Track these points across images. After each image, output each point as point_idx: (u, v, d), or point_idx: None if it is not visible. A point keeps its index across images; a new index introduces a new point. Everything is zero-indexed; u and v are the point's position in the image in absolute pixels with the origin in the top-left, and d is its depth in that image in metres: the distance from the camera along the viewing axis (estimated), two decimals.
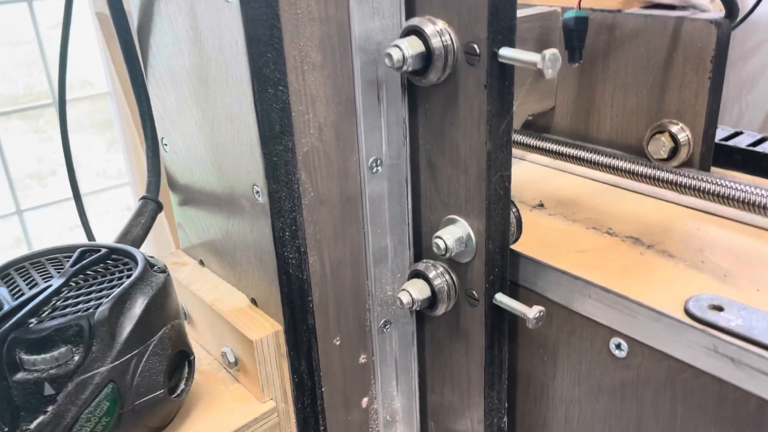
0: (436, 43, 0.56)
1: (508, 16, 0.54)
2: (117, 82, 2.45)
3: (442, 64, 0.56)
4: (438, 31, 0.56)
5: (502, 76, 0.55)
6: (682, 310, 0.58)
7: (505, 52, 0.54)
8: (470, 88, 0.56)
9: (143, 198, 0.73)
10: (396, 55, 0.55)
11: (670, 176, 0.73)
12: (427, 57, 0.56)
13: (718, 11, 0.79)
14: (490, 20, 0.53)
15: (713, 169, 0.84)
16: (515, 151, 0.94)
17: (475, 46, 0.54)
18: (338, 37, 0.58)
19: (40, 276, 0.60)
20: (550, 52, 0.51)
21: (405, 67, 0.56)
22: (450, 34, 0.56)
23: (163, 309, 0.59)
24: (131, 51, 0.68)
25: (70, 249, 0.63)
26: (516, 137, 0.89)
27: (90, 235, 0.76)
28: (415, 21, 0.57)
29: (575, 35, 0.81)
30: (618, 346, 0.61)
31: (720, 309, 0.58)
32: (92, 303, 0.56)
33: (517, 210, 0.64)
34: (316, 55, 0.57)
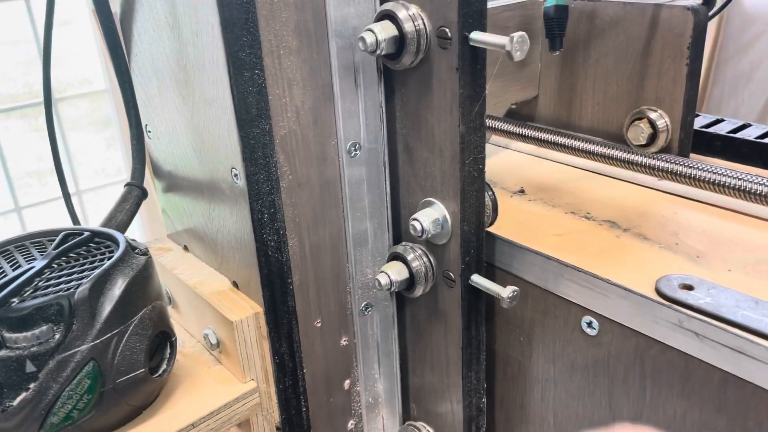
0: (408, 27, 0.57)
1: (479, 0, 0.55)
2: (115, 79, 2.45)
3: (415, 48, 0.57)
4: (411, 15, 0.57)
5: (474, 59, 0.57)
6: (653, 289, 0.59)
7: (475, 35, 0.55)
8: (443, 71, 0.57)
9: (128, 184, 0.74)
10: (369, 39, 0.57)
11: (646, 160, 0.74)
12: (400, 41, 0.57)
13: None
14: (461, 4, 0.54)
15: (693, 155, 0.86)
16: (499, 139, 0.96)
17: (447, 30, 0.56)
18: (314, 22, 0.59)
19: (24, 258, 0.61)
20: (517, 35, 0.52)
21: (378, 51, 0.57)
22: (422, 19, 0.57)
23: (143, 290, 0.60)
24: (114, 39, 0.69)
25: (54, 233, 0.65)
26: (499, 125, 0.90)
27: (75, 221, 0.78)
28: (388, 5, 0.58)
29: (556, 24, 0.82)
30: (589, 324, 0.62)
31: (690, 288, 0.59)
32: (73, 283, 0.57)
33: (493, 193, 0.65)
34: (292, 39, 0.58)
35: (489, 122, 0.90)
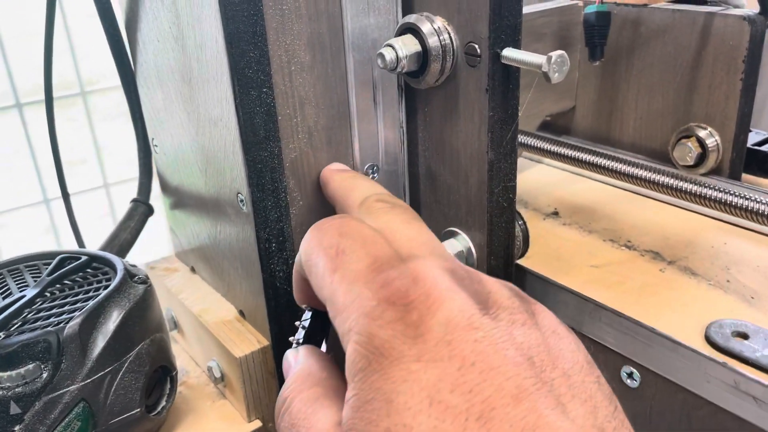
0: (433, 42, 0.51)
1: (513, 13, 0.49)
2: None
3: (440, 66, 0.51)
4: (436, 29, 0.51)
5: (506, 79, 0.51)
6: (703, 336, 0.53)
7: (508, 53, 0.49)
8: (471, 92, 0.52)
9: (133, 201, 0.70)
10: (389, 55, 0.51)
11: (696, 188, 0.68)
12: (423, 57, 0.52)
13: (752, 7, 0.72)
14: (492, 18, 0.48)
15: (744, 176, 0.78)
16: (531, 155, 0.89)
17: (476, 46, 0.50)
18: (329, 35, 0.53)
19: (16, 284, 0.57)
20: (556, 54, 0.46)
21: (399, 69, 0.51)
22: (449, 33, 0.51)
23: (141, 323, 0.55)
24: (120, 47, 0.65)
25: (51, 255, 0.61)
26: (530, 141, 0.83)
27: (78, 236, 0.74)
28: (411, 18, 0.52)
29: (596, 31, 0.75)
30: (630, 375, 0.56)
31: (745, 337, 0.52)
32: (64, 317, 0.52)
33: (524, 222, 0.59)
34: (304, 54, 0.52)
35: (520, 138, 0.84)
